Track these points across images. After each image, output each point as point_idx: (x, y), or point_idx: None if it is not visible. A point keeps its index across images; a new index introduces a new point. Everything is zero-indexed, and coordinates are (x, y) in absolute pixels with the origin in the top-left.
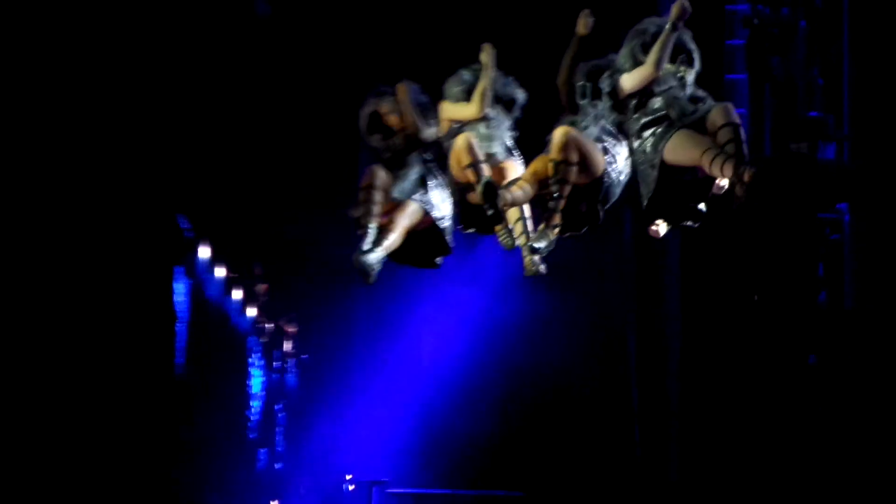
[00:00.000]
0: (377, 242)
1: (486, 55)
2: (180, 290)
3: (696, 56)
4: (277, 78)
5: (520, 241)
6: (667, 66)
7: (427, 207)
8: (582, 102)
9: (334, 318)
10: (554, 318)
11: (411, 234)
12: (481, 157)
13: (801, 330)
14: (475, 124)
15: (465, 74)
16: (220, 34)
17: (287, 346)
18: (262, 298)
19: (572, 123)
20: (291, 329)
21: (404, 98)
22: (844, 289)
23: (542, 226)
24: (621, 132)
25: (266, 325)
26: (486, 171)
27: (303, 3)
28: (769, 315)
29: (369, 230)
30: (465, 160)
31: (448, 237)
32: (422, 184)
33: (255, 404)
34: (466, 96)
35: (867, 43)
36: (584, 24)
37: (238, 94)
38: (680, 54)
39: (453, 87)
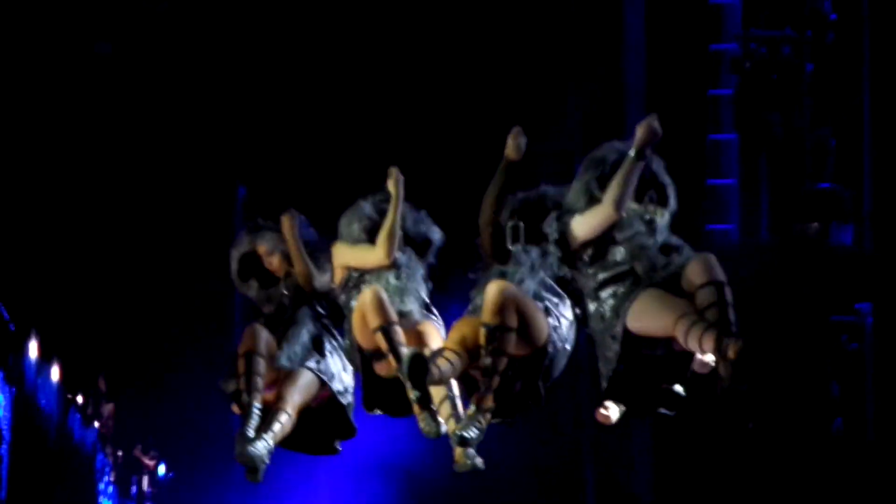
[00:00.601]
0: (264, 427)
1: (394, 183)
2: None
3: (671, 192)
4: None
5: (448, 427)
6: (631, 206)
7: (324, 378)
8: (513, 248)
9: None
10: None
11: (304, 413)
12: (393, 316)
13: (809, 468)
14: (382, 273)
15: (366, 208)
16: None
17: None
18: (108, 421)
19: (502, 275)
20: (150, 460)
21: (291, 233)
22: (866, 414)
23: (470, 410)
24: (562, 287)
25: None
26: (400, 335)
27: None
28: (769, 448)
29: (252, 411)
30: (375, 321)
31: (350, 415)
32: (316, 347)
33: None
34: (368, 236)
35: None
36: (514, 147)
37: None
38: (648, 190)
39: (352, 223)
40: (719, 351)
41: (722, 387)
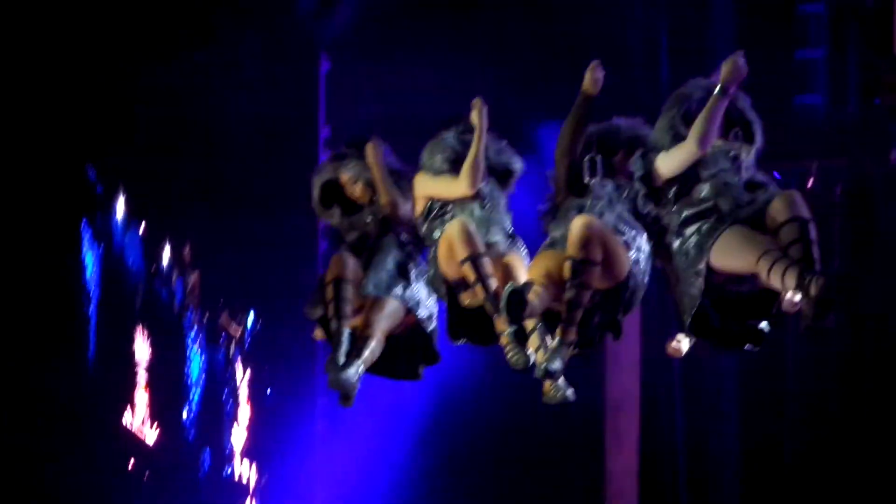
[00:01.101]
0: (354, 353)
1: (478, 114)
2: (89, 259)
3: (757, 129)
4: None
5: (537, 358)
6: (717, 143)
7: (410, 305)
8: (590, 181)
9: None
10: None
11: (389, 338)
12: (481, 247)
13: None
14: (466, 203)
15: (449, 139)
16: None
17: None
18: (193, 290)
19: (580, 209)
20: (235, 330)
21: (376, 161)
22: None
23: (554, 342)
24: (639, 219)
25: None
26: (488, 266)
27: None
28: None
29: (342, 337)
30: (463, 252)
31: (434, 341)
32: (401, 274)
33: (195, 395)
34: (451, 167)
35: None
36: (592, 81)
37: None
38: (733, 127)
39: (434, 154)
40: (801, 288)
41: (805, 324)
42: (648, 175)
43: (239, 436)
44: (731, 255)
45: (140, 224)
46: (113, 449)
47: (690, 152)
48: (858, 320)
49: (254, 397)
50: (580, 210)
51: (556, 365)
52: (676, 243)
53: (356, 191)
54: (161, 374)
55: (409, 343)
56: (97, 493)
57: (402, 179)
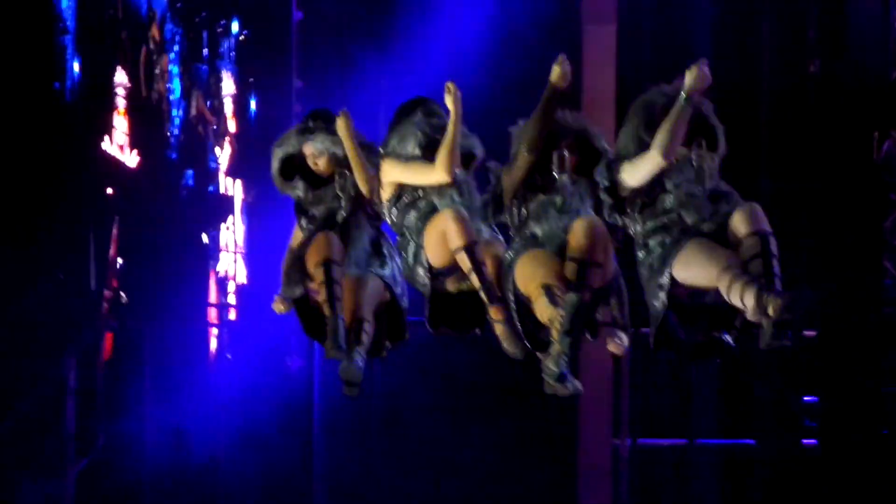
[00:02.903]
0: (353, 338)
1: (454, 98)
2: None
3: (720, 135)
4: None
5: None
6: (681, 151)
7: (388, 283)
8: (560, 177)
9: None
10: None
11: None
12: (475, 235)
13: None
14: (444, 190)
15: (419, 124)
16: None
17: None
18: None
19: (557, 205)
20: None
21: (348, 135)
22: None
23: (556, 346)
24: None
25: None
26: (481, 254)
27: None
28: None
29: (339, 321)
30: (459, 241)
31: (405, 319)
32: (376, 252)
33: (177, 114)
34: (424, 153)
35: None
36: (561, 75)
37: None
38: (697, 135)
39: (405, 139)
40: (759, 308)
41: (764, 343)
42: (613, 185)
43: (224, 153)
44: (693, 268)
45: None
46: (93, 173)
47: (655, 162)
48: None
49: (239, 113)
50: (560, 206)
51: (566, 368)
52: (641, 255)
53: (320, 164)
54: (140, 98)
55: (380, 320)
56: (75, 216)
57: (372, 154)
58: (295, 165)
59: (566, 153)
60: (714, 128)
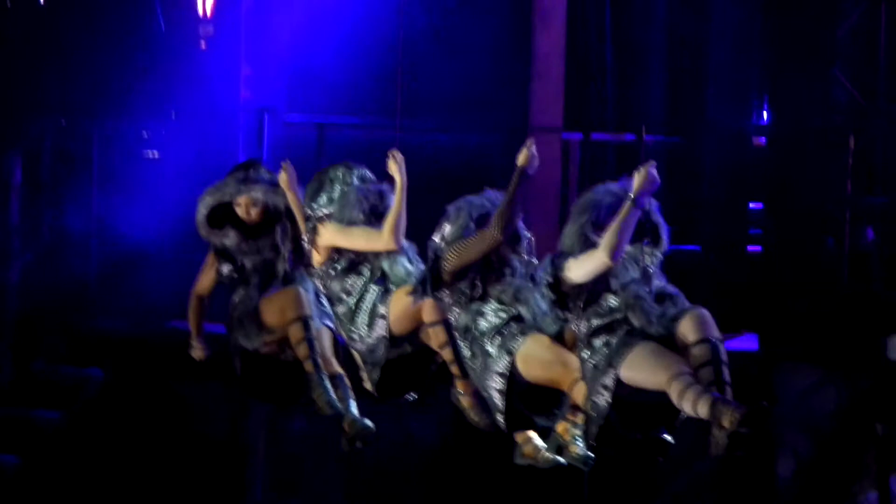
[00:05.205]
0: (340, 394)
1: (397, 166)
2: None
3: (664, 233)
4: None
5: (572, 450)
6: (627, 250)
7: (335, 332)
8: (522, 259)
9: None
10: None
11: (280, 364)
12: (447, 313)
13: None
14: (396, 256)
15: (362, 191)
16: None
17: None
18: None
19: (517, 293)
20: None
21: (291, 188)
22: None
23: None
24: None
25: None
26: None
27: None
28: None
29: (324, 376)
30: (433, 316)
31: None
32: (319, 303)
33: None
34: (367, 219)
35: None
36: (528, 158)
37: None
38: (643, 234)
39: (351, 207)
40: (714, 419)
41: (716, 453)
42: (556, 280)
43: None
44: (641, 372)
45: None
46: None
47: (602, 262)
48: None
49: None
50: (527, 286)
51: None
52: (585, 353)
53: (253, 214)
54: None
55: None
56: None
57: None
58: (220, 213)
59: (530, 236)
60: (658, 225)
